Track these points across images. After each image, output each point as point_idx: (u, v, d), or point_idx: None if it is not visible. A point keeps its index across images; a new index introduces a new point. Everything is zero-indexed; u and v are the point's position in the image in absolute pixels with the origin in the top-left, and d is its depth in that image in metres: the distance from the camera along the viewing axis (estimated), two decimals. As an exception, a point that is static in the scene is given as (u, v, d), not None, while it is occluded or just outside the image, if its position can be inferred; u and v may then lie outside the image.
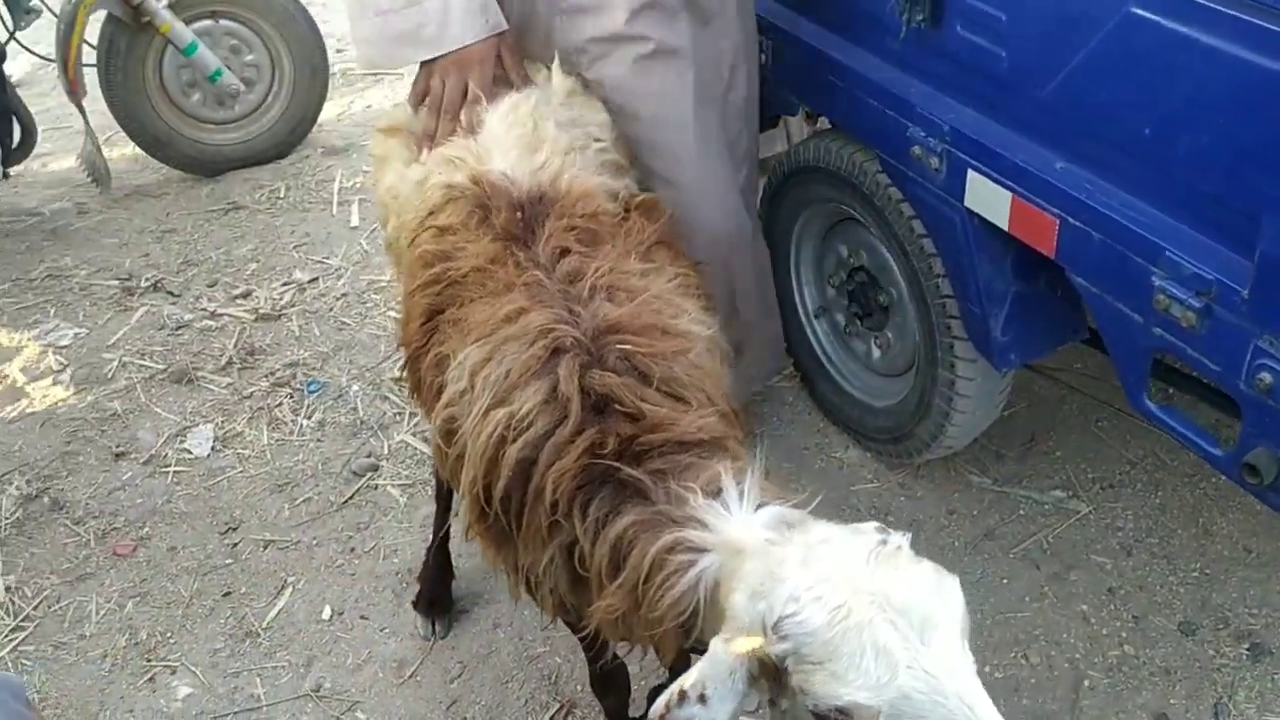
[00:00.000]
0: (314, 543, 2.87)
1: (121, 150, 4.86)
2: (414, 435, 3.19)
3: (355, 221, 4.32)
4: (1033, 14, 1.93)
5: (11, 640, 2.65)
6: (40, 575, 2.82)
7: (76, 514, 3.01)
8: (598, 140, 2.10)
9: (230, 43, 4.61)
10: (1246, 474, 1.78)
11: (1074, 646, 2.45)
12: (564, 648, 2.50)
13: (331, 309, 3.80)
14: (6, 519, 2.99)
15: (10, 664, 2.58)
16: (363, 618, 2.66)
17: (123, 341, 3.69)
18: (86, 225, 4.45)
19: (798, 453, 3.02)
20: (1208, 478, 2.79)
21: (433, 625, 2.59)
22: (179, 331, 3.72)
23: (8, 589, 2.79)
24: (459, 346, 1.59)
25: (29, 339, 3.73)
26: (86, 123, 4.34)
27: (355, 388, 3.41)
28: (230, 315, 3.78)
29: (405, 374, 1.86)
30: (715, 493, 1.33)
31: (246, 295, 3.89)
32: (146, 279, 4.01)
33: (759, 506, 1.33)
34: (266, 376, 3.48)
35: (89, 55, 4.30)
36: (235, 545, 2.89)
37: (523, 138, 1.90)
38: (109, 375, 3.53)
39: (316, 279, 3.97)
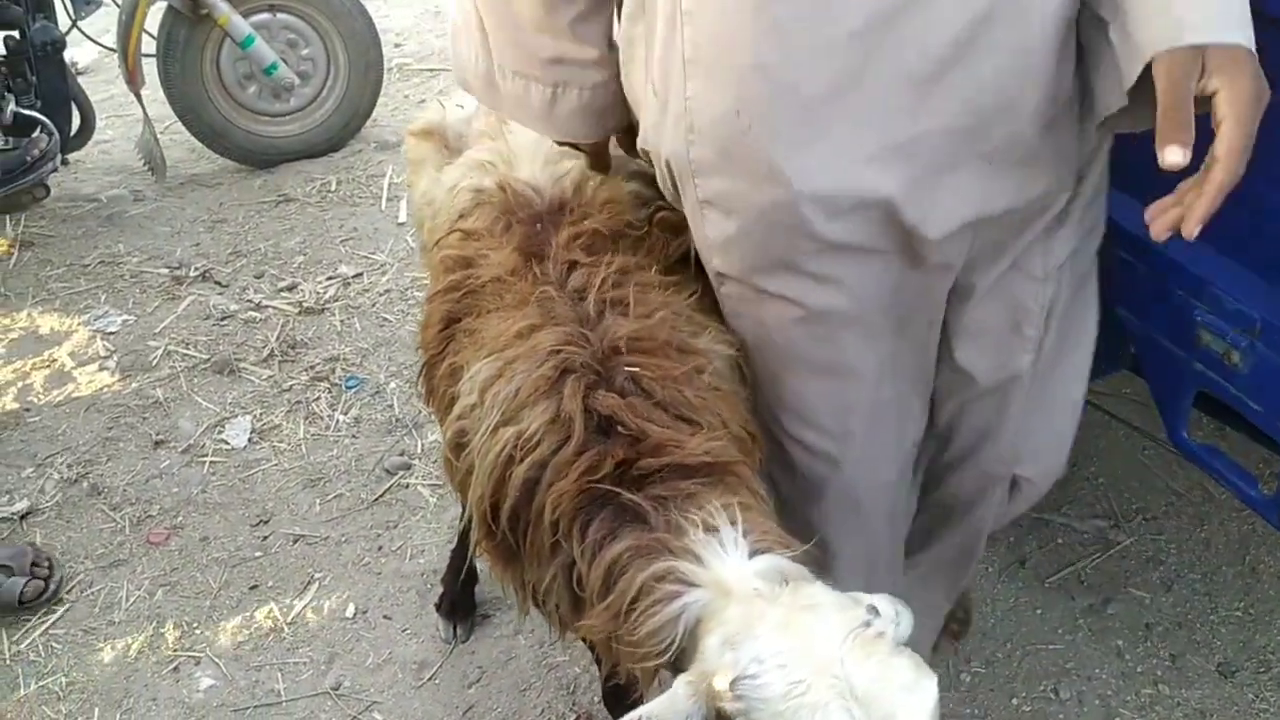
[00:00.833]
0: (342, 539, 2.89)
1: (178, 140, 4.93)
2: (447, 435, 3.19)
3: (403, 217, 4.33)
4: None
5: (44, 623, 2.69)
6: (75, 560, 2.87)
7: (114, 500, 3.05)
8: None
9: (287, 36, 4.66)
10: (1287, 519, 1.72)
11: (1106, 683, 2.38)
12: (584, 658, 2.48)
13: (374, 305, 3.82)
14: (48, 502, 3.05)
15: (40, 647, 2.63)
16: (386, 617, 2.67)
17: (169, 330, 3.74)
18: (141, 213, 4.53)
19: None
20: (1256, 514, 2.69)
21: (454, 629, 2.59)
22: (224, 322, 3.76)
23: (44, 572, 2.83)
24: (472, 358, 1.58)
25: (79, 324, 3.80)
26: (144, 112, 4.42)
27: (393, 385, 3.42)
28: (274, 308, 3.82)
29: (421, 379, 1.85)
30: (714, 529, 1.29)
31: (292, 288, 3.92)
32: (196, 268, 4.07)
33: (757, 552, 1.28)
34: (306, 370, 3.51)
35: (149, 46, 4.37)
36: (265, 539, 2.91)
37: (551, 146, 1.87)
38: (153, 363, 3.58)
39: (361, 274, 3.99)
